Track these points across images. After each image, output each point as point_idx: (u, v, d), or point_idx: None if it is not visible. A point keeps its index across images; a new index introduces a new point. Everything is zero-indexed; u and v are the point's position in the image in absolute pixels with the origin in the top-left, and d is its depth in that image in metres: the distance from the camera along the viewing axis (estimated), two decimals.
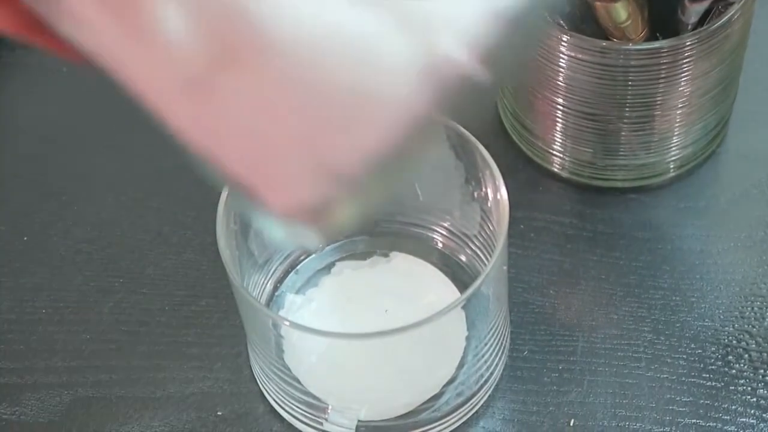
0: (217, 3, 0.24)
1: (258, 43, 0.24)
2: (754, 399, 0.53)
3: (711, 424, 0.53)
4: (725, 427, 0.53)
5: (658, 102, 0.57)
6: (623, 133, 0.59)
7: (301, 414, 0.52)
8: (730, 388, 0.54)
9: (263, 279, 0.56)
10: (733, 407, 0.53)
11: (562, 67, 0.56)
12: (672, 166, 0.61)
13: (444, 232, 0.57)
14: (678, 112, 0.58)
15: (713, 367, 0.54)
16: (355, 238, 0.58)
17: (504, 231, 0.48)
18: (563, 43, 0.55)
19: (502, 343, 0.53)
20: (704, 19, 0.56)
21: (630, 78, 0.55)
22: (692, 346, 0.55)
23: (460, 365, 0.52)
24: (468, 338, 0.52)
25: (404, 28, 0.24)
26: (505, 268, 0.51)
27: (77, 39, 0.27)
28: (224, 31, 0.24)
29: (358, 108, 0.24)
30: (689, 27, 0.56)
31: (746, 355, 0.55)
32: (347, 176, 0.25)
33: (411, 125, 0.24)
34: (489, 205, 0.52)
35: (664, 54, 0.54)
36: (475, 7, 0.24)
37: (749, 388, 0.54)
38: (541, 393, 0.54)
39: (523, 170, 0.62)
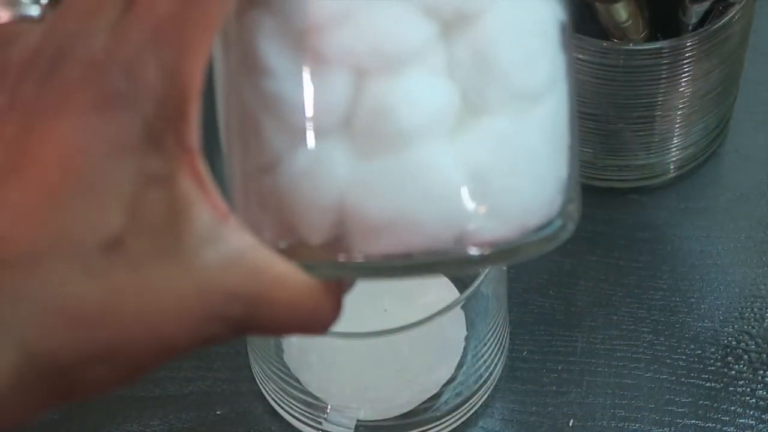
0: None
1: None
2: (753, 400, 0.53)
3: (710, 425, 0.53)
4: (724, 428, 0.52)
5: (659, 102, 0.57)
6: (624, 134, 0.59)
7: (301, 413, 0.52)
8: (730, 389, 0.54)
9: None
10: (732, 408, 0.53)
11: None
12: (672, 167, 0.61)
13: None
14: (678, 112, 0.58)
15: (712, 368, 0.54)
16: None
17: None
18: None
19: (501, 344, 0.53)
20: (705, 19, 0.56)
21: (631, 78, 0.55)
22: (692, 346, 0.55)
23: (459, 365, 0.52)
24: (467, 338, 0.52)
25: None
26: (504, 268, 0.51)
27: None
28: None
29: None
30: (690, 27, 0.56)
31: (746, 356, 0.55)
32: None
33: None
34: None
35: (665, 54, 0.54)
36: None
37: (748, 389, 0.54)
38: (541, 393, 0.54)
39: None
